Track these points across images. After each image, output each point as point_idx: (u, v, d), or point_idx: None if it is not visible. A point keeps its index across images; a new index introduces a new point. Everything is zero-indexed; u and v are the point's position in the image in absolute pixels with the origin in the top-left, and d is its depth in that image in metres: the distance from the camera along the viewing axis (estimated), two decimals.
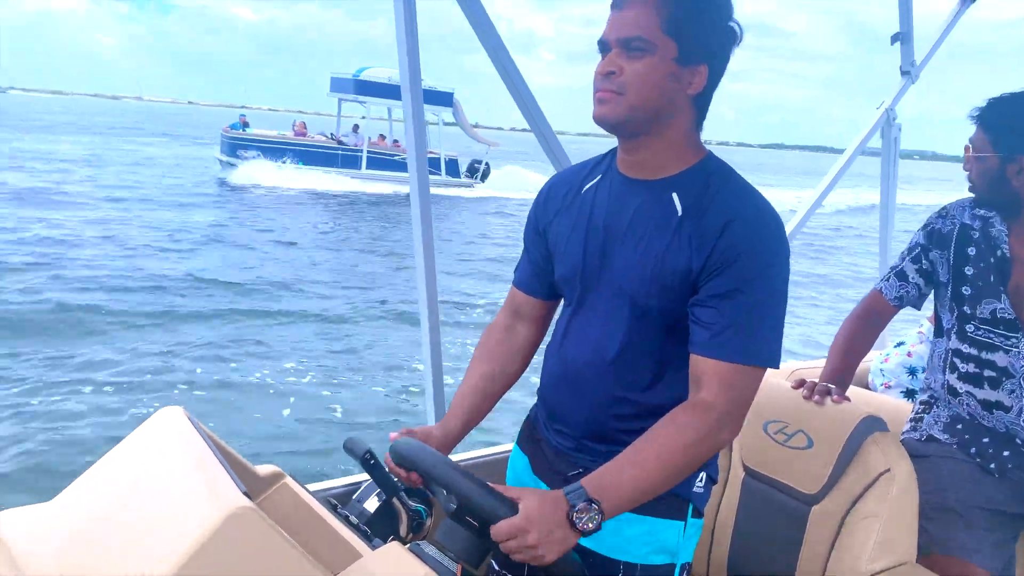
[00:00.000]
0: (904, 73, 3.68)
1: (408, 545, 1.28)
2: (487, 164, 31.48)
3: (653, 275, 1.38)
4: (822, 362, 2.27)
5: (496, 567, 1.61)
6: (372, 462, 1.60)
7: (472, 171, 31.27)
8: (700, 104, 1.43)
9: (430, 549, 1.30)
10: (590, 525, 1.25)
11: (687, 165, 1.42)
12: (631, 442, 1.38)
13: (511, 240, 19.66)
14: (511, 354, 1.65)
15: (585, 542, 1.39)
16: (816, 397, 1.99)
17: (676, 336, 1.41)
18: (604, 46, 1.40)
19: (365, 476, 1.73)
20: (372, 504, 1.70)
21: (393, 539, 1.56)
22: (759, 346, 1.34)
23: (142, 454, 1.41)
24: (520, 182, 32.03)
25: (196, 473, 1.27)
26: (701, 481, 1.50)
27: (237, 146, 28.28)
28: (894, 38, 3.56)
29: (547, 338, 1.67)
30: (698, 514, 1.51)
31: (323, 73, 31.13)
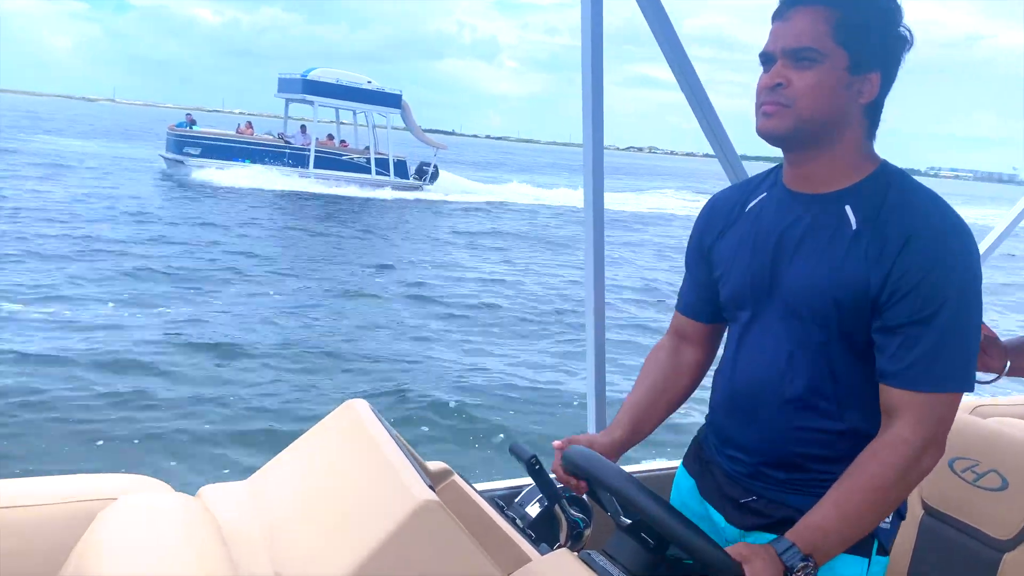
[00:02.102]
0: None
1: (579, 553, 1.30)
2: (435, 167, 31.89)
3: (828, 292, 1.32)
4: (1008, 398, 2.15)
5: None
6: (537, 467, 1.58)
7: (421, 173, 31.66)
8: (872, 112, 1.37)
9: (600, 559, 1.30)
10: None
11: (861, 176, 1.36)
12: (812, 468, 1.39)
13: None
14: (678, 373, 1.60)
15: None
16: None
17: (856, 355, 1.35)
18: (768, 58, 1.35)
19: (526, 480, 1.73)
20: (533, 509, 1.71)
21: (559, 546, 1.58)
22: (954, 372, 1.28)
23: (332, 443, 1.47)
24: (458, 186, 32.62)
25: (383, 464, 1.30)
26: (888, 516, 1.41)
27: (184, 143, 28.19)
28: None
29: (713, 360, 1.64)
30: (883, 551, 1.43)
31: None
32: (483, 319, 11.74)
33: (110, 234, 15.75)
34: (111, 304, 10.45)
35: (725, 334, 1.58)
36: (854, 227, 1.33)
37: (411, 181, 31.07)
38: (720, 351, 1.60)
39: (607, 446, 1.52)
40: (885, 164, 1.38)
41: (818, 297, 1.34)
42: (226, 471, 5.98)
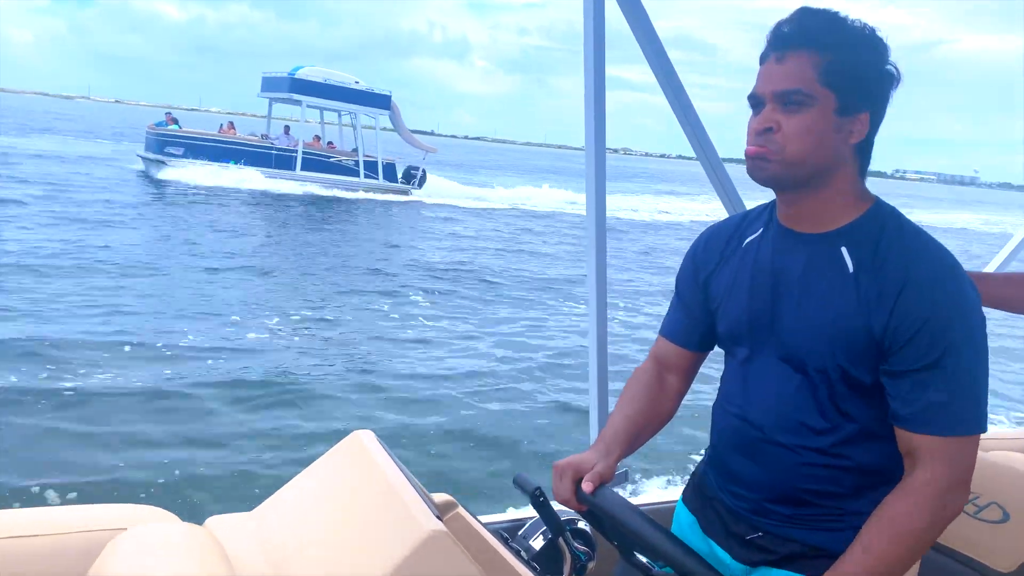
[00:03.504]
0: None
1: None
2: (423, 171, 31.12)
3: (829, 336, 1.32)
4: (1009, 431, 2.08)
5: None
6: (541, 499, 1.56)
7: (409, 177, 30.85)
8: (863, 151, 1.36)
9: None
10: None
11: (855, 215, 1.36)
12: (819, 503, 1.38)
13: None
14: (664, 398, 1.60)
15: None
16: None
17: (858, 393, 1.35)
18: (757, 100, 1.35)
19: (530, 513, 1.72)
20: (537, 542, 1.69)
21: None
22: (966, 415, 1.28)
23: (338, 473, 1.48)
24: (446, 191, 31.98)
25: (390, 494, 1.32)
26: (918, 559, 1.40)
27: (165, 143, 27.11)
28: None
29: (695, 391, 1.66)
30: None
31: (257, 74, 30.31)
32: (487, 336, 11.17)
33: (95, 241, 14.98)
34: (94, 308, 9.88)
35: (722, 368, 1.57)
36: (851, 270, 1.33)
37: (400, 185, 30.31)
38: (698, 383, 1.65)
39: (610, 470, 1.47)
40: (879, 203, 1.38)
41: (818, 339, 1.34)
42: (232, 501, 5.71)
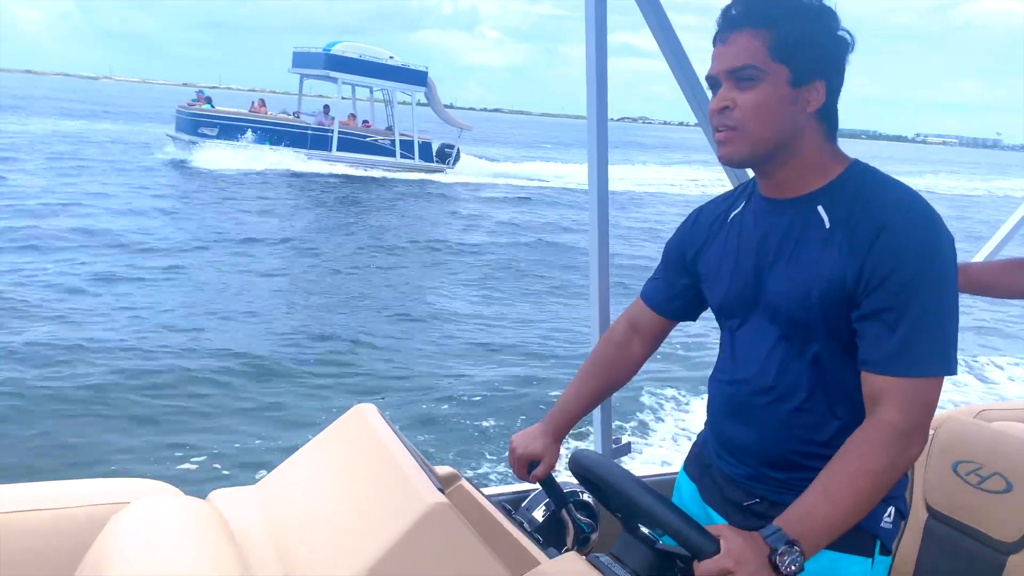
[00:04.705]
0: None
1: (587, 556, 1.28)
2: (458, 149, 30.37)
3: (808, 293, 1.34)
4: (1014, 402, 2.06)
5: None
6: None
7: (443, 156, 30.12)
8: (826, 116, 1.38)
9: (607, 561, 1.28)
10: (793, 568, 1.21)
11: (831, 177, 1.38)
12: (811, 466, 1.36)
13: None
14: (620, 369, 1.71)
15: None
16: None
17: (845, 352, 1.36)
18: (713, 82, 1.38)
19: (533, 485, 1.73)
20: (539, 514, 1.70)
21: (566, 549, 1.62)
22: (935, 356, 1.28)
23: (341, 446, 1.49)
24: (483, 170, 31.28)
25: (393, 467, 1.32)
26: (889, 516, 1.43)
27: (198, 123, 26.48)
28: None
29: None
30: (886, 551, 1.44)
31: (274, 50, 29.65)
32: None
33: (137, 228, 14.61)
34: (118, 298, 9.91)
35: (719, 338, 1.59)
36: (827, 226, 1.35)
37: (435, 164, 29.61)
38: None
39: (554, 459, 1.65)
40: (856, 163, 1.41)
41: (801, 298, 1.35)
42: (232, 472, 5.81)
